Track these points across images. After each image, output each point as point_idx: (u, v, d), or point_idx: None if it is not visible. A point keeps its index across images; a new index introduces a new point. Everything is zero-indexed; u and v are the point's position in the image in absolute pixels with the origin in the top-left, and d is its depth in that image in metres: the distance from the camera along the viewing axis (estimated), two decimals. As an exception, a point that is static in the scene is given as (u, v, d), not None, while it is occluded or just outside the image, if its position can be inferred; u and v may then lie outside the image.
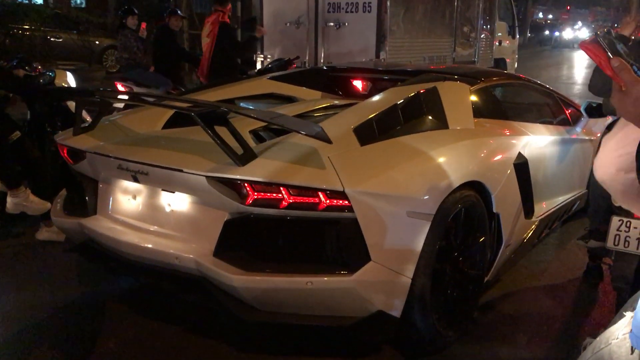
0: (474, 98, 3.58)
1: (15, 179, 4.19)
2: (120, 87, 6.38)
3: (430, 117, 3.19)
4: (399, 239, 2.58)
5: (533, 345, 3.04)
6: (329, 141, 2.48)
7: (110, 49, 14.89)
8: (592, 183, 3.80)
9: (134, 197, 2.91)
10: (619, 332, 1.28)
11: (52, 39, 13.76)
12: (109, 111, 3.47)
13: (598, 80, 3.59)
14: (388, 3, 7.54)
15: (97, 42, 15.05)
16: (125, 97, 4.33)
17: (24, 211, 4.23)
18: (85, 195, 3.10)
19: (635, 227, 2.90)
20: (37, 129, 5.00)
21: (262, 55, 8.25)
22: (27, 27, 12.16)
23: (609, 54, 1.18)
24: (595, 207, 3.67)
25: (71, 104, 4.93)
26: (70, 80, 5.62)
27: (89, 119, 3.76)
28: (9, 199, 4.19)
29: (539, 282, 3.81)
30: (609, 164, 1.31)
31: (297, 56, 7.38)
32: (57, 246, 4.05)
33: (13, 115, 4.63)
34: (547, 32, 40.69)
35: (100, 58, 15.00)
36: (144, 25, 7.32)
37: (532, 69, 18.80)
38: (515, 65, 15.11)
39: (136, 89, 6.22)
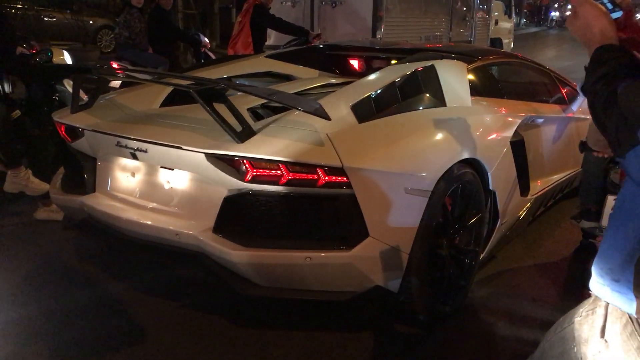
0: (471, 76, 3.58)
1: (16, 158, 4.19)
2: (115, 67, 6.34)
3: (427, 95, 3.20)
4: (397, 215, 2.61)
5: (526, 320, 3.09)
6: (327, 118, 2.49)
7: (105, 29, 14.71)
8: (584, 162, 3.81)
9: (133, 175, 2.93)
10: (582, 310, 1.30)
11: (45, 19, 13.63)
12: (105, 89, 3.46)
13: None
14: (384, -18, 7.49)
15: (91, 22, 14.84)
16: (124, 74, 4.31)
17: (22, 191, 4.23)
18: (84, 173, 3.11)
19: None
20: (34, 108, 4.98)
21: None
22: (19, 6, 12.02)
23: None
24: (586, 186, 3.69)
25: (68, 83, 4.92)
26: (67, 59, 5.61)
27: (85, 97, 3.75)
28: (8, 179, 4.19)
29: (533, 260, 3.86)
30: None
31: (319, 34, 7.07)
32: (56, 225, 4.06)
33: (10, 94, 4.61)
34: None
35: (94, 38, 14.74)
36: None
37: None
38: (512, 45, 15.11)
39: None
